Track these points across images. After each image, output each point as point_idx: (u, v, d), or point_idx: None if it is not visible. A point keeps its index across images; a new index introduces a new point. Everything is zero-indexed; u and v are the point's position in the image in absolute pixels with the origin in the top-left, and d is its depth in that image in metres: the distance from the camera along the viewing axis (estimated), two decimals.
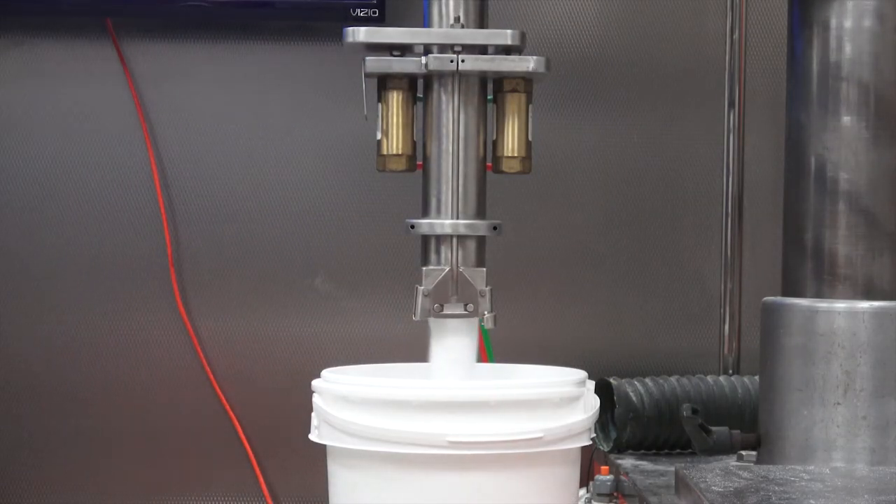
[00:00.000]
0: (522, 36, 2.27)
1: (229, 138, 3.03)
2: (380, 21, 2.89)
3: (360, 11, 2.91)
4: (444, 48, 2.25)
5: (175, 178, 3.03)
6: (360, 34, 2.26)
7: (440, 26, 2.28)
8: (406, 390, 2.11)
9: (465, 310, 2.27)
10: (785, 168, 2.31)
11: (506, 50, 2.27)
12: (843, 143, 2.22)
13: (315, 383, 2.22)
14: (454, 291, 2.27)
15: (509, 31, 2.26)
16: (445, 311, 2.27)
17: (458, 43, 2.25)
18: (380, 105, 2.29)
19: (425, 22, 2.31)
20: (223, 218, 3.04)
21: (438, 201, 2.28)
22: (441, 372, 2.29)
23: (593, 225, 3.06)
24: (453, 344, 2.29)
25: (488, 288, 2.27)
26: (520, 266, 3.02)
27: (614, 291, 3.06)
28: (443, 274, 2.26)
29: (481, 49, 2.27)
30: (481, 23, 2.30)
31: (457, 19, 2.27)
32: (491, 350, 2.79)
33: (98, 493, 3.02)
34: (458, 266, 2.27)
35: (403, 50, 2.27)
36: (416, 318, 2.27)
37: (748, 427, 2.35)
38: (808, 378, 2.19)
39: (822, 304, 2.20)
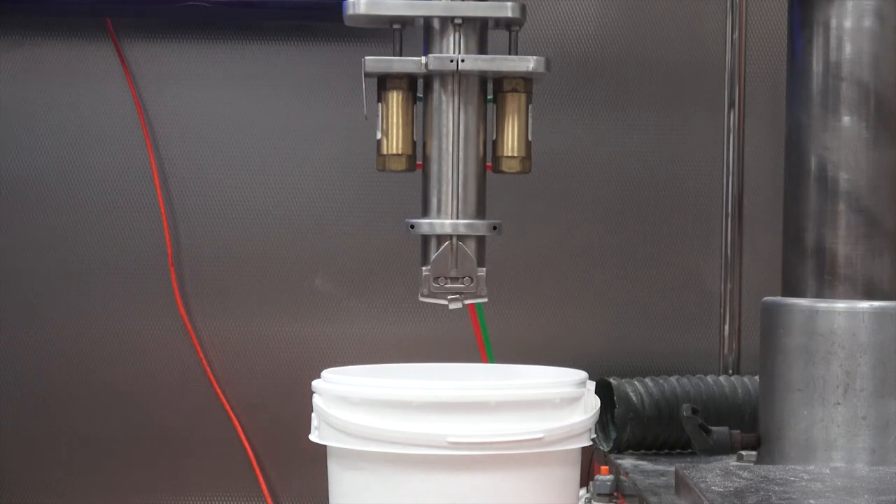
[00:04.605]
0: (523, 8, 2.27)
1: (229, 138, 3.03)
2: None
3: None
4: (444, 21, 2.25)
5: (175, 178, 3.03)
6: (361, 6, 2.26)
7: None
8: (406, 390, 2.12)
9: (462, 282, 2.27)
10: (785, 168, 2.31)
11: (507, 23, 2.27)
12: (843, 143, 2.22)
13: (315, 383, 2.22)
14: (454, 265, 2.26)
15: (510, 3, 2.26)
16: (448, 286, 2.27)
17: (458, 15, 2.24)
18: (380, 105, 2.29)
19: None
20: (223, 218, 3.04)
21: (438, 201, 2.28)
22: None
23: (593, 225, 3.06)
24: None
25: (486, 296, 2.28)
26: (519, 266, 3.02)
27: (614, 291, 3.06)
28: (442, 248, 2.26)
29: (482, 23, 2.26)
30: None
31: None
32: (491, 350, 2.79)
33: (98, 493, 3.02)
34: (456, 241, 2.26)
35: (404, 23, 2.27)
36: (452, 307, 2.28)
37: (748, 427, 2.35)
38: (808, 378, 2.19)
39: (822, 304, 2.20)
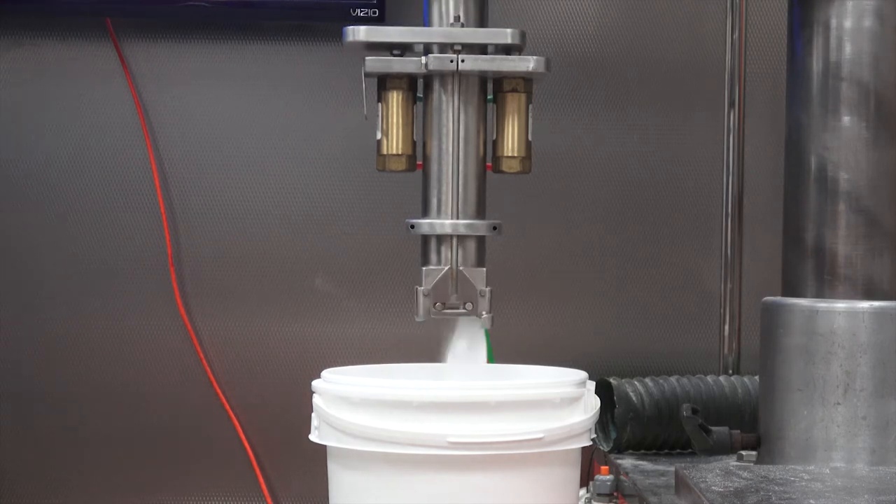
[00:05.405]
0: (522, 35, 2.27)
1: (229, 138, 3.03)
2: (379, 21, 2.89)
3: (360, 11, 2.91)
4: (444, 47, 2.25)
5: (175, 178, 3.03)
6: (361, 33, 2.27)
7: (440, 25, 2.28)
8: (406, 390, 2.11)
9: (464, 308, 2.27)
10: (785, 168, 2.31)
11: (506, 49, 2.27)
12: (843, 143, 2.22)
13: (315, 383, 2.22)
14: (454, 290, 2.27)
15: (509, 30, 2.27)
16: (445, 310, 2.27)
17: (458, 42, 2.25)
18: (380, 105, 2.29)
19: (425, 22, 2.31)
20: (223, 218, 3.04)
21: (438, 201, 2.29)
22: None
23: (593, 225, 3.06)
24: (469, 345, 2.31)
25: (488, 288, 2.27)
26: (520, 266, 3.02)
27: (614, 291, 3.06)
28: (442, 273, 2.27)
29: (481, 48, 2.27)
30: (481, 22, 2.30)
31: (457, 18, 2.27)
32: (491, 350, 2.78)
33: (99, 493, 3.02)
34: (457, 265, 2.27)
35: (403, 49, 2.27)
36: (419, 318, 2.27)
37: (748, 427, 2.35)
38: (808, 378, 2.19)
39: (822, 304, 2.20)
